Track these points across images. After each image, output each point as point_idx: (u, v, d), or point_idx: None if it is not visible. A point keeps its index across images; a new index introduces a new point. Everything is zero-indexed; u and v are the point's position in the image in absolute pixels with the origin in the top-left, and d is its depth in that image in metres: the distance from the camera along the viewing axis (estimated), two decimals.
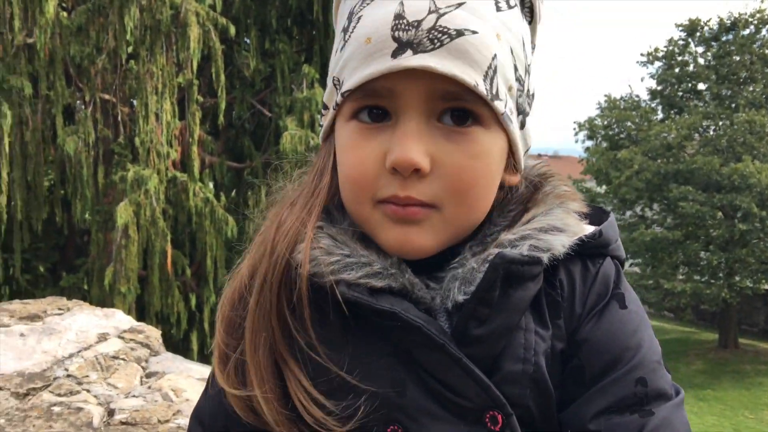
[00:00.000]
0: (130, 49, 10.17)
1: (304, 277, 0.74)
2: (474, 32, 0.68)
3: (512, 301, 0.71)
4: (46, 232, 11.14)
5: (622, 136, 21.82)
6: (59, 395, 1.82)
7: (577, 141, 23.23)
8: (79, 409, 1.77)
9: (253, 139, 12.53)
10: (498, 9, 0.72)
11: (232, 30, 10.85)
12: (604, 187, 21.79)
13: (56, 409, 1.76)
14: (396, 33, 0.67)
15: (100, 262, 10.47)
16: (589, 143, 22.85)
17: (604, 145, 22.05)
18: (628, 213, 21.65)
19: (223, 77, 11.18)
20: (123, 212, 9.76)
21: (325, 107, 0.80)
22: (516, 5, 0.77)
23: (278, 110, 11.28)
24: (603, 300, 0.76)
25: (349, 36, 0.72)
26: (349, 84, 0.71)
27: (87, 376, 1.93)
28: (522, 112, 0.80)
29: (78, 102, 10.81)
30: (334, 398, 0.73)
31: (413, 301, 0.74)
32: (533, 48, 0.84)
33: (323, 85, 11.19)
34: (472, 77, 0.68)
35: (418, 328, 0.69)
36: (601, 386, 0.71)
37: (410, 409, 0.71)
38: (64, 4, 10.62)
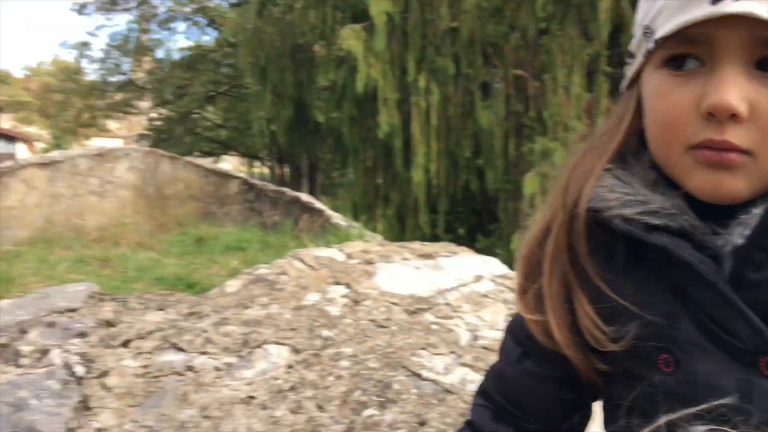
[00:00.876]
0: (542, 25, 10.56)
1: (583, 212, 0.84)
2: None
3: None
4: (465, 197, 12.45)
5: None
6: (437, 317, 2.20)
7: None
8: (451, 330, 2.12)
9: None
10: None
11: None
12: None
13: (434, 327, 2.14)
14: None
15: (509, 228, 11.26)
16: None
17: None
18: None
19: None
20: (530, 183, 10.29)
21: (631, 56, 0.83)
22: None
23: None
24: None
25: None
26: (663, 31, 0.73)
27: (461, 306, 2.28)
28: None
29: (497, 79, 11.71)
30: (613, 324, 0.83)
31: (697, 244, 0.77)
32: None
33: None
34: None
35: (689, 264, 0.72)
36: None
37: (683, 341, 0.75)
38: None
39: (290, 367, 1.85)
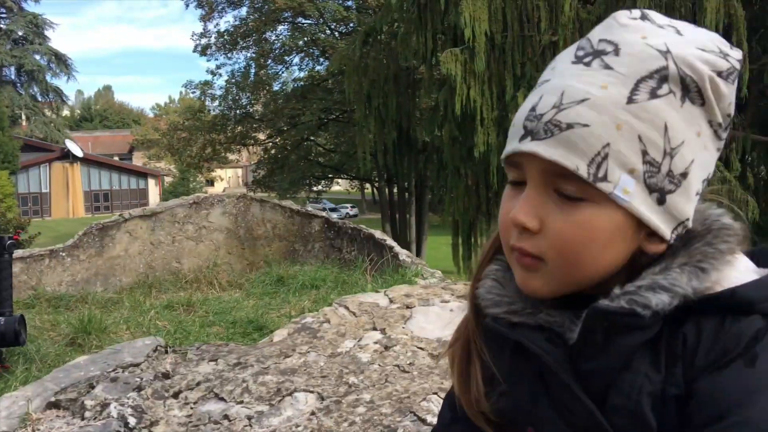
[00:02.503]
0: None
1: (471, 305, 1.05)
2: (585, 125, 0.83)
3: (615, 345, 0.85)
4: None
5: None
6: None
7: None
8: None
9: None
10: (630, 101, 0.84)
11: None
12: None
13: None
14: (526, 122, 0.87)
15: None
16: None
17: None
18: None
19: (745, 46, 10.28)
20: None
21: None
22: (669, 93, 0.84)
23: None
24: (728, 356, 0.79)
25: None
26: (502, 156, 0.92)
27: None
28: (658, 190, 0.87)
29: None
30: (493, 398, 1.03)
31: (557, 335, 0.96)
32: (713, 125, 0.89)
33: None
34: (574, 162, 0.83)
35: (538, 356, 0.93)
36: None
37: (541, 418, 0.93)
38: None
39: (313, 414, 2.10)
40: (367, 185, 25.60)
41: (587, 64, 0.87)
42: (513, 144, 0.87)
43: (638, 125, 0.83)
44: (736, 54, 0.90)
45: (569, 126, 0.83)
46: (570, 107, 0.83)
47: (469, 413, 1.06)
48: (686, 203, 0.89)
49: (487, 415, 1.02)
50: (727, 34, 10.41)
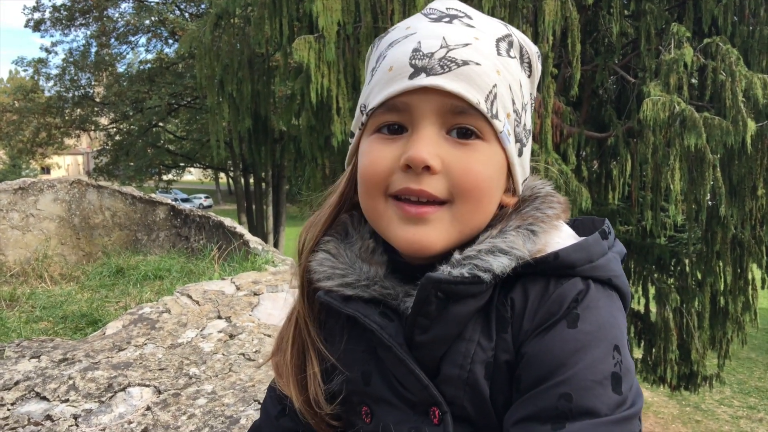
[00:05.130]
0: None
1: (301, 281, 0.99)
2: (478, 64, 0.82)
3: (450, 314, 0.82)
4: None
5: None
6: None
7: None
8: None
9: (617, 107, 12.12)
10: (498, 54, 0.85)
11: None
12: None
13: None
14: (413, 61, 0.83)
15: None
16: None
17: None
18: None
19: (578, 48, 11.04)
20: None
21: (352, 135, 0.96)
22: (515, 57, 0.89)
23: (642, 75, 10.69)
24: (552, 318, 0.80)
25: (375, 70, 0.89)
26: (373, 103, 0.86)
27: None
28: (519, 141, 0.90)
29: None
30: (330, 382, 0.97)
31: (392, 308, 0.91)
32: (532, 98, 0.93)
33: (693, 46, 9.90)
34: (475, 96, 0.82)
35: (372, 330, 0.88)
36: (528, 396, 0.78)
37: (374, 396, 0.90)
38: None
39: (148, 409, 1.96)
40: (222, 175, 24.85)
41: (449, 22, 0.86)
42: (401, 83, 0.83)
43: (508, 76, 0.85)
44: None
45: (465, 62, 0.81)
46: (458, 48, 0.82)
47: (311, 420, 1.01)
48: (528, 160, 0.93)
49: (319, 408, 0.98)
50: (563, 36, 11.17)
